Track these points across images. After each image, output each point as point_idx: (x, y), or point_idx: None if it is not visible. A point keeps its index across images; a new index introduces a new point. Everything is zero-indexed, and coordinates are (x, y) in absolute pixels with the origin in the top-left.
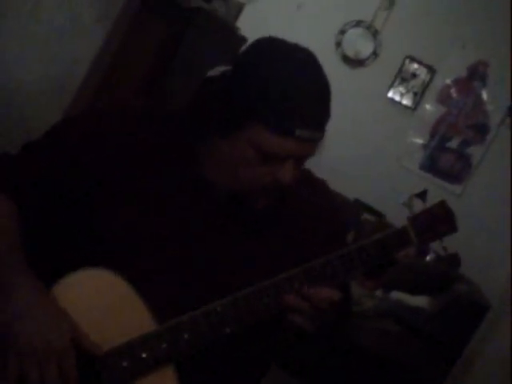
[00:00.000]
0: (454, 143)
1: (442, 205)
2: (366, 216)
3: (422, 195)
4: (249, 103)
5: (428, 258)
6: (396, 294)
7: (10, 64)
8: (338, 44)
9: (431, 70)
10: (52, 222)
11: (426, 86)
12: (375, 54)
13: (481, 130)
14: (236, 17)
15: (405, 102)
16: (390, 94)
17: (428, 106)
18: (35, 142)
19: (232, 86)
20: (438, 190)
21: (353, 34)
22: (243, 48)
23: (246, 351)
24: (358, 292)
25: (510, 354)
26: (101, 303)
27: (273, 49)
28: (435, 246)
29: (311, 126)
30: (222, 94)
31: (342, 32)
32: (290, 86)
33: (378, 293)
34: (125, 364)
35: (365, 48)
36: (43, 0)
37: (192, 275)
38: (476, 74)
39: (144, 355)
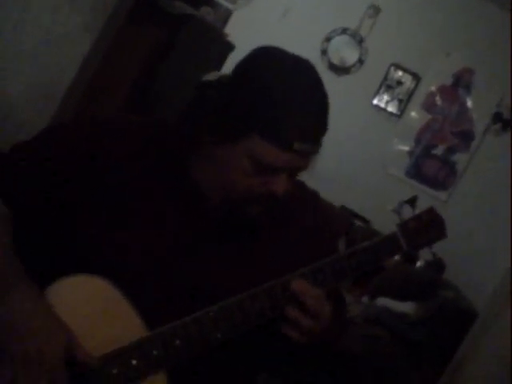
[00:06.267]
0: (439, 150)
1: (431, 211)
2: (356, 222)
3: (412, 202)
4: (248, 114)
5: (418, 264)
6: (382, 300)
7: None
8: (324, 51)
9: (416, 78)
10: (39, 226)
11: (411, 94)
12: (360, 61)
13: (466, 138)
14: (224, 23)
15: (390, 109)
16: (375, 101)
17: (413, 113)
18: (25, 142)
19: (231, 95)
20: (424, 197)
21: (338, 41)
22: (243, 57)
23: (237, 359)
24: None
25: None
26: (92, 309)
27: (273, 60)
28: (422, 251)
29: (309, 139)
30: (219, 102)
31: (328, 39)
32: (290, 99)
33: (365, 299)
34: (115, 371)
35: (350, 55)
36: (29, 8)
37: (184, 285)
38: (461, 82)
39: (134, 362)
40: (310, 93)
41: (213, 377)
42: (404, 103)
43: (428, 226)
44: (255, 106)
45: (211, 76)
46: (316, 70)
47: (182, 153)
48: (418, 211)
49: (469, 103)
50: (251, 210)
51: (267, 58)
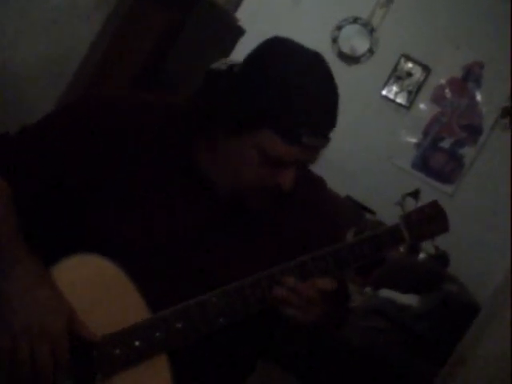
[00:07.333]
0: (446, 143)
1: (435, 204)
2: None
3: (415, 194)
4: (259, 108)
5: (421, 255)
6: (385, 292)
7: (8, 47)
8: (334, 40)
9: (426, 70)
10: (45, 207)
11: (420, 85)
12: (371, 51)
13: (474, 131)
14: (235, 8)
15: (399, 100)
16: (384, 92)
17: (422, 105)
18: (35, 124)
19: (242, 87)
20: (430, 190)
21: (349, 30)
22: (255, 46)
23: (239, 343)
24: None
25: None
26: (96, 290)
27: (286, 52)
28: (425, 244)
29: (318, 134)
30: (230, 93)
31: (339, 28)
32: (301, 93)
33: (367, 290)
34: (117, 352)
35: (361, 45)
36: None
37: (189, 271)
38: (471, 75)
39: (137, 343)
40: (322, 87)
41: (213, 360)
42: (413, 95)
43: (431, 219)
44: (265, 98)
45: (221, 64)
46: (328, 64)
47: (191, 141)
48: (421, 204)
49: (478, 97)
50: (257, 202)
51: (280, 50)
